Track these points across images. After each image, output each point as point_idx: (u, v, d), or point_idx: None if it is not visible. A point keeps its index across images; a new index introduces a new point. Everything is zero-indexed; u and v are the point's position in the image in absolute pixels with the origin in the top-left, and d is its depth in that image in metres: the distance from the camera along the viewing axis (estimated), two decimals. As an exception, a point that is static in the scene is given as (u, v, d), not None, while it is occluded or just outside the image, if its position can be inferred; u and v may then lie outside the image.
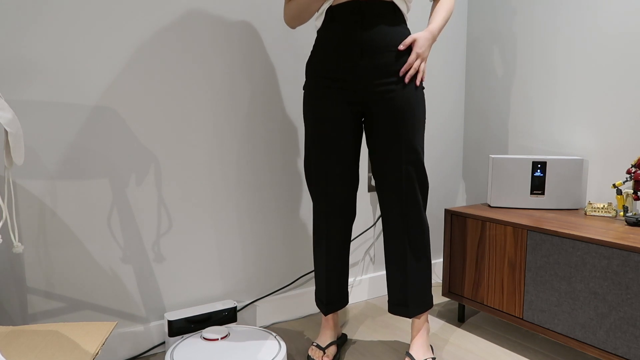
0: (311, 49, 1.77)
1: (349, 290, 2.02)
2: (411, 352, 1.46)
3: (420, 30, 2.09)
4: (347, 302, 1.58)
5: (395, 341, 1.68)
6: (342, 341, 1.63)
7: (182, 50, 1.54)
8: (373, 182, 2.02)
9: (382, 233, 2.11)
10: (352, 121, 1.39)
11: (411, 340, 1.49)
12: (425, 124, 2.14)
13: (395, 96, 1.33)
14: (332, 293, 1.53)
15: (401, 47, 1.32)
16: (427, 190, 1.42)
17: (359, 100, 1.36)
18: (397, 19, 1.34)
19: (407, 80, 1.33)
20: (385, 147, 1.37)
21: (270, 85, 1.73)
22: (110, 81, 1.44)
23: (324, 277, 1.51)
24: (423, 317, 1.48)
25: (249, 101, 1.69)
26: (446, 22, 1.40)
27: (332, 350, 1.52)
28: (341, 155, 1.41)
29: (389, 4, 1.33)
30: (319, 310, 1.93)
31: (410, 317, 1.46)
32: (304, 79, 1.80)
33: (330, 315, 1.55)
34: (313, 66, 1.40)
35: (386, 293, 2.13)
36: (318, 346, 1.52)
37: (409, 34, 1.37)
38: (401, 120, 1.34)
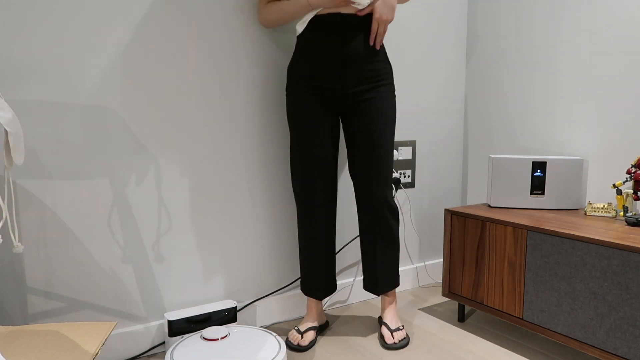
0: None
1: (349, 290, 2.02)
2: (385, 320, 1.69)
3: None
4: (335, 289, 1.74)
5: (395, 341, 1.68)
6: (323, 327, 1.76)
7: (182, 49, 1.54)
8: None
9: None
10: (332, 122, 1.57)
11: (383, 312, 1.72)
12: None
13: (371, 103, 1.52)
14: (322, 279, 1.68)
15: (371, 38, 1.47)
16: (391, 177, 1.63)
17: (340, 104, 1.53)
18: None
19: (377, 47, 1.49)
20: (360, 143, 1.56)
21: (271, 85, 1.73)
22: (111, 81, 1.44)
23: (313, 265, 1.66)
24: (392, 293, 1.72)
25: (250, 101, 1.69)
26: None
27: (310, 335, 1.63)
28: (323, 152, 1.57)
29: (369, 16, 1.47)
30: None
31: (378, 295, 1.69)
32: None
33: (313, 303, 1.69)
34: (297, 71, 1.54)
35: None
36: (297, 330, 1.64)
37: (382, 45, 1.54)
38: (374, 122, 1.53)
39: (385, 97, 1.54)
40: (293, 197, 1.83)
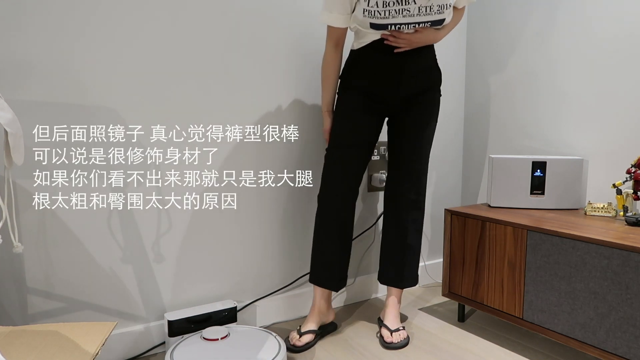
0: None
1: (349, 289, 2.02)
2: (386, 322, 1.69)
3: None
4: (345, 284, 1.72)
5: (395, 341, 1.68)
6: (327, 330, 1.73)
7: (182, 48, 1.54)
8: (373, 182, 2.02)
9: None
10: (377, 122, 1.65)
11: (384, 312, 1.73)
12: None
13: (421, 109, 1.63)
14: (335, 270, 1.66)
15: (391, 40, 1.52)
16: (426, 179, 1.73)
17: (390, 109, 1.63)
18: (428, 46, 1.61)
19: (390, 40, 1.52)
20: (406, 143, 1.66)
21: (273, 84, 1.73)
22: (111, 80, 1.44)
23: (333, 255, 1.65)
24: (400, 293, 1.75)
25: (249, 100, 1.69)
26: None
27: (307, 337, 1.62)
28: (361, 146, 1.63)
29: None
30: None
31: (402, 288, 1.74)
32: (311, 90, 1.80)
33: (321, 297, 1.67)
34: (352, 83, 1.59)
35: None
36: (298, 331, 1.64)
37: (434, 52, 1.64)
38: (422, 126, 1.65)
39: (434, 106, 1.67)
40: (293, 197, 1.83)
